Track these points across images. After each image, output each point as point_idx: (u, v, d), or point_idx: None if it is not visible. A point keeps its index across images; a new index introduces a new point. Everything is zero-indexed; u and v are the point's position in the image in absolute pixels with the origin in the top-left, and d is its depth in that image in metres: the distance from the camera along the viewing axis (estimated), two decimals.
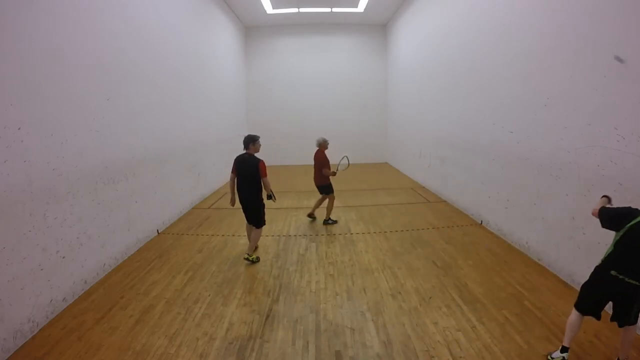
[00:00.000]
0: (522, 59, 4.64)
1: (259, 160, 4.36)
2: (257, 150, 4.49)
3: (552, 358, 2.64)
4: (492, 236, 5.32)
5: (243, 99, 13.20)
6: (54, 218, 3.41)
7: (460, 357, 2.70)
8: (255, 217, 4.52)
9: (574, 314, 2.61)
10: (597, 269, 2.53)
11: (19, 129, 3.01)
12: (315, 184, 6.19)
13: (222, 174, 9.94)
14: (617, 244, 2.41)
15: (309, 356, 2.77)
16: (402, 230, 5.67)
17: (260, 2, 10.64)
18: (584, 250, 3.57)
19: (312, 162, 6.19)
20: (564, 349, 2.60)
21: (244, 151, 4.47)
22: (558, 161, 3.96)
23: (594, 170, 3.43)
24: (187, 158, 7.25)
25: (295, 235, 5.59)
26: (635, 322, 2.46)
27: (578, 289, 3.60)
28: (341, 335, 3.02)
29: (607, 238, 3.24)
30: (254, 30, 13.28)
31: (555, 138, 4.00)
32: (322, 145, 6.09)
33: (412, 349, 2.82)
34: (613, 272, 2.39)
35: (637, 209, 2.38)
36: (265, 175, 4.35)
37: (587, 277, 3.49)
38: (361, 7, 11.31)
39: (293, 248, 5.06)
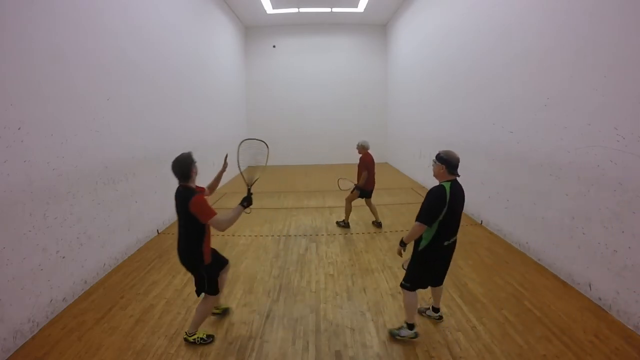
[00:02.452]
0: (522, 59, 4.64)
1: (191, 195, 2.68)
2: (195, 175, 2.90)
3: (402, 336, 2.90)
4: (492, 236, 5.32)
5: (243, 99, 13.20)
6: (54, 218, 3.41)
7: (460, 357, 2.70)
8: (197, 282, 2.92)
9: (412, 295, 2.87)
10: (427, 250, 2.76)
11: (19, 129, 3.01)
12: (373, 189, 5.77)
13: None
14: (439, 224, 2.68)
15: (309, 356, 2.77)
16: (402, 230, 5.67)
17: (260, 2, 10.64)
18: (584, 250, 3.57)
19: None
20: (412, 326, 2.90)
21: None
22: (558, 161, 3.96)
23: (594, 170, 3.43)
24: None
25: (295, 235, 5.59)
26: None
27: (578, 289, 3.63)
28: (341, 335, 3.02)
29: (607, 238, 3.25)
30: (254, 30, 13.28)
31: (555, 138, 4.00)
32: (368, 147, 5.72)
33: (412, 349, 2.82)
34: (445, 243, 2.76)
35: (441, 185, 2.75)
36: (208, 216, 2.63)
37: (587, 277, 3.51)
38: (361, 7, 11.31)
39: (293, 248, 5.06)
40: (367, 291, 3.75)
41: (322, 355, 2.78)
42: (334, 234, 5.58)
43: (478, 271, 4.15)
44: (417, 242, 2.82)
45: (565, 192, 3.86)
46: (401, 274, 4.12)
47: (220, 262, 3.09)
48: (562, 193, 3.91)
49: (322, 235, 5.58)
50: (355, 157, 5.77)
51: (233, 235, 5.62)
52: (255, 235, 5.61)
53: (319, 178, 10.59)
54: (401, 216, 6.48)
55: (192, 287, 3.87)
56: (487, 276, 4.02)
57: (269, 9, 11.23)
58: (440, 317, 3.19)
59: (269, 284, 3.97)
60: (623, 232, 3.09)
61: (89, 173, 3.99)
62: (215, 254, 3.02)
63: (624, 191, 3.08)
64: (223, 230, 2.70)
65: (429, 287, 3.09)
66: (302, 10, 11.52)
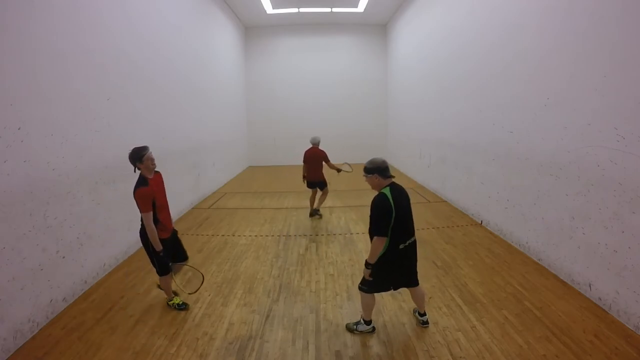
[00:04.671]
0: (522, 59, 4.64)
1: (138, 185, 3.04)
2: (148, 168, 3.11)
3: (359, 331, 2.99)
4: (492, 236, 5.32)
5: (243, 99, 13.21)
6: (54, 218, 3.41)
7: (460, 357, 2.70)
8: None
9: (369, 297, 2.90)
10: (384, 257, 2.72)
11: (19, 129, 3.01)
12: (316, 180, 6.31)
13: (222, 174, 9.95)
14: (391, 230, 2.66)
15: (309, 356, 2.77)
16: None
17: (260, 2, 10.65)
18: (584, 250, 3.57)
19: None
20: (369, 322, 3.01)
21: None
22: (558, 161, 3.96)
23: (594, 170, 3.43)
24: (187, 158, 7.24)
25: (295, 235, 5.59)
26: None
27: (578, 289, 3.63)
28: (341, 335, 3.02)
29: (608, 238, 3.25)
30: (254, 30, 13.29)
31: (555, 138, 4.00)
32: (318, 142, 6.39)
33: (412, 349, 2.82)
34: (401, 246, 2.75)
35: (382, 193, 2.71)
36: (141, 210, 3.00)
37: (587, 277, 3.51)
38: (361, 7, 11.31)
39: (293, 248, 5.06)
40: None
41: (322, 355, 2.78)
42: (334, 234, 5.58)
43: (478, 271, 4.15)
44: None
45: (565, 192, 3.85)
46: None
47: (173, 253, 3.41)
48: (562, 193, 3.91)
49: (322, 235, 5.58)
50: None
51: (233, 235, 5.62)
52: (255, 235, 5.61)
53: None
54: None
55: (191, 288, 3.89)
56: (487, 276, 4.02)
57: (269, 9, 11.24)
58: (426, 323, 3.08)
59: (269, 284, 3.97)
60: (623, 232, 3.09)
61: (89, 173, 3.99)
62: (173, 244, 3.40)
63: (624, 191, 3.08)
64: (147, 228, 3.08)
65: (409, 292, 3.08)
66: (302, 10, 11.52)
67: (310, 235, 5.59)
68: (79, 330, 3.12)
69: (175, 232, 3.51)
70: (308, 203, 6.73)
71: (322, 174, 6.30)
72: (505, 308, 3.35)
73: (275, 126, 13.79)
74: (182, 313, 3.38)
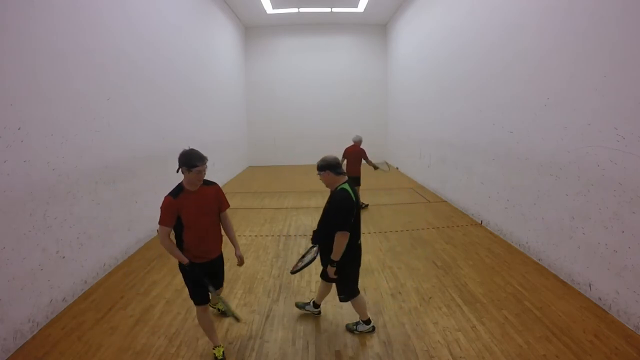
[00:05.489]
0: (522, 59, 4.64)
1: (167, 194, 2.63)
2: (190, 181, 2.65)
3: (359, 331, 3.01)
4: (492, 236, 5.32)
5: (243, 99, 13.21)
6: (54, 218, 3.41)
7: (460, 357, 2.70)
8: None
9: (357, 299, 2.96)
10: (346, 255, 2.73)
11: (19, 129, 3.01)
12: (354, 175, 6.66)
13: (222, 174, 9.94)
14: (352, 227, 2.70)
15: (309, 356, 2.77)
16: (402, 230, 5.67)
17: (260, 2, 10.65)
18: (584, 250, 3.57)
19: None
20: (368, 321, 3.03)
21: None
22: (558, 161, 3.96)
23: (594, 170, 3.43)
24: None
25: (295, 235, 5.59)
26: None
27: (578, 289, 3.63)
28: (341, 335, 3.02)
29: (608, 238, 3.25)
30: (254, 30, 13.29)
31: (555, 138, 4.00)
32: (360, 141, 6.90)
33: (412, 349, 2.82)
34: (358, 242, 2.86)
35: (342, 188, 2.72)
36: (159, 221, 2.53)
37: (587, 277, 3.51)
38: (361, 7, 11.31)
39: (293, 248, 5.05)
40: (367, 291, 3.75)
41: (322, 355, 2.78)
42: None
43: (478, 271, 4.15)
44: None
45: (565, 192, 3.86)
46: (401, 274, 4.15)
47: (208, 276, 2.64)
48: (562, 193, 3.91)
49: None
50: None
51: None
52: (255, 235, 5.61)
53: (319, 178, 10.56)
54: (401, 216, 6.49)
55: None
56: (487, 276, 4.02)
57: (269, 9, 11.24)
58: (319, 313, 3.28)
59: (269, 284, 3.97)
60: (623, 232, 3.09)
61: (89, 173, 3.99)
62: (207, 268, 2.68)
63: (624, 191, 3.08)
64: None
65: (320, 281, 3.16)
66: (302, 10, 11.52)
67: (310, 235, 5.58)
68: (79, 330, 3.12)
69: (215, 261, 2.79)
70: (308, 203, 6.74)
71: (360, 170, 6.80)
72: (505, 308, 3.35)
73: (275, 126, 13.79)
74: (183, 313, 3.38)
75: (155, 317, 3.32)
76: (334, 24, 13.14)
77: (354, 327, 3.05)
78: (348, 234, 2.66)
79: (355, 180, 6.75)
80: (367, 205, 7.15)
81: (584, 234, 3.58)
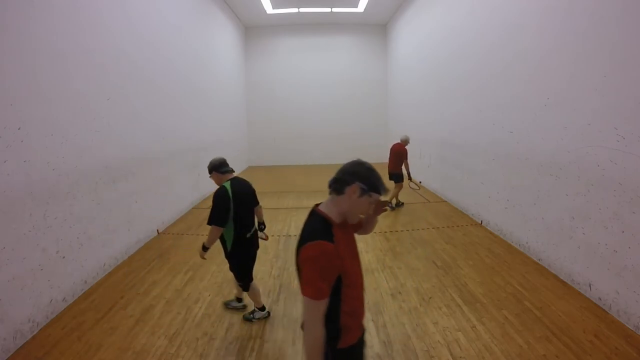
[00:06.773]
0: (522, 59, 4.64)
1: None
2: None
3: (256, 318, 3.21)
4: (492, 236, 5.32)
5: (243, 99, 13.21)
6: (54, 218, 3.41)
7: (460, 357, 2.70)
8: None
9: (251, 289, 3.15)
10: (235, 247, 2.97)
11: (19, 129, 3.01)
12: (393, 171, 6.95)
13: None
14: (234, 220, 2.90)
15: None
16: (402, 230, 5.67)
17: (260, 2, 10.65)
18: (584, 250, 3.57)
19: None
20: (263, 308, 3.25)
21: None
22: (558, 161, 3.96)
23: (594, 170, 3.43)
24: (187, 158, 7.25)
25: (295, 235, 5.58)
26: None
27: (578, 289, 3.63)
28: None
29: (608, 238, 3.26)
30: (254, 30, 13.29)
31: (555, 138, 4.00)
32: (406, 141, 7.13)
33: (412, 349, 2.82)
34: (248, 235, 3.02)
35: (222, 186, 2.92)
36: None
37: (587, 277, 3.51)
38: (361, 7, 11.31)
39: (293, 248, 5.04)
40: (367, 291, 3.74)
41: None
42: None
43: (478, 271, 4.15)
44: (225, 246, 3.04)
45: (565, 192, 3.86)
46: (401, 274, 4.15)
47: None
48: (562, 193, 3.91)
49: None
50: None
51: None
52: None
53: (319, 178, 10.57)
54: (401, 216, 6.49)
55: (191, 287, 3.90)
56: (487, 276, 4.02)
57: (269, 9, 11.24)
58: (245, 307, 3.39)
59: (269, 284, 3.96)
60: (623, 232, 3.09)
61: (89, 173, 3.99)
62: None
63: (624, 191, 3.08)
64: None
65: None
66: (302, 10, 11.52)
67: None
68: (79, 330, 3.12)
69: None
70: (308, 203, 6.73)
71: (400, 168, 6.93)
72: (505, 308, 3.35)
73: (275, 126, 13.79)
74: (183, 313, 3.38)
75: (155, 317, 3.32)
76: (334, 24, 13.14)
77: (251, 315, 3.23)
78: (218, 228, 2.86)
79: (395, 177, 6.95)
80: (402, 204, 7.19)
81: (584, 234, 3.58)
